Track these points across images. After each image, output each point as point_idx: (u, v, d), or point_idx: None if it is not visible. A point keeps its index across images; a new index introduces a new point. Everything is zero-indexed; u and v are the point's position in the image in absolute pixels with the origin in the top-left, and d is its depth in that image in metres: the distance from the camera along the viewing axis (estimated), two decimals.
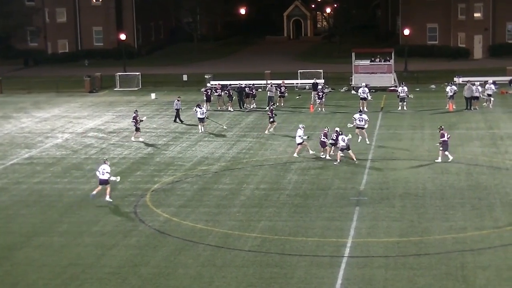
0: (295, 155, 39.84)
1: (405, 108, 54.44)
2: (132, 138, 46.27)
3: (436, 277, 23.47)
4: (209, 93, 57.27)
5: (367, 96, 54.25)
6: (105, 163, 32.83)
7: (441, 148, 38.23)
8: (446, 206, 30.83)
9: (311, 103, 56.73)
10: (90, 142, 46.20)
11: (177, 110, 51.96)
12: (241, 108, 56.89)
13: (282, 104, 57.48)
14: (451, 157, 38.06)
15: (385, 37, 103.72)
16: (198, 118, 47.84)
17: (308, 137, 41.11)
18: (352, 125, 42.93)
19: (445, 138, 38.01)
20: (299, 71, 69.91)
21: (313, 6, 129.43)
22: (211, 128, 49.38)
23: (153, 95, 64.72)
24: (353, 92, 61.90)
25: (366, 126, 43.05)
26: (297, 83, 68.27)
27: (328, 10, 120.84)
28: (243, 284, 23.38)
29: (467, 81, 56.01)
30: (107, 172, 32.36)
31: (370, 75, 63.88)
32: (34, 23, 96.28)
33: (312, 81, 62.13)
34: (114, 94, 68.48)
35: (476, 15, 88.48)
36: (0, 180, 37.35)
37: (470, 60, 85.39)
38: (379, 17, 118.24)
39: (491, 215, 29.60)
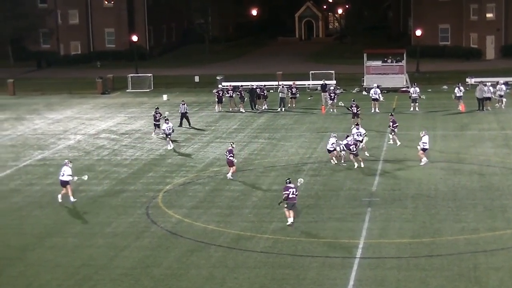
0: (332, 162, 38.26)
1: (417, 109, 54.34)
2: (153, 135, 47.38)
3: (448, 278, 23.44)
4: (220, 94, 57.34)
5: (379, 97, 54.19)
6: (66, 165, 32.94)
7: (392, 133, 42.25)
8: (458, 207, 30.76)
9: (323, 104, 56.71)
10: (102, 144, 46.36)
11: (183, 113, 51.31)
12: (252, 109, 56.93)
13: (293, 105, 57.50)
14: (399, 143, 41.77)
15: (396, 38, 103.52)
16: (166, 134, 44.01)
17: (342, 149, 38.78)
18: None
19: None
20: (310, 72, 69.88)
21: (324, 7, 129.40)
22: (222, 130, 49.47)
23: (165, 97, 64.86)
24: (364, 93, 61.84)
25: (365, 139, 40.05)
26: (309, 84, 68.27)
27: (340, 11, 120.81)
28: (255, 285, 23.40)
29: (479, 82, 55.86)
30: (68, 174, 32.57)
31: (382, 76, 63.80)
32: (47, 24, 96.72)
33: (321, 82, 62.09)
34: (126, 96, 68.68)
35: (488, 15, 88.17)
36: (13, 181, 37.54)
37: (482, 61, 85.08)
38: (391, 17, 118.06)
39: (504, 216, 29.52)
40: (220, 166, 39.00)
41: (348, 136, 38.34)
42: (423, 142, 37.69)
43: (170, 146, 43.63)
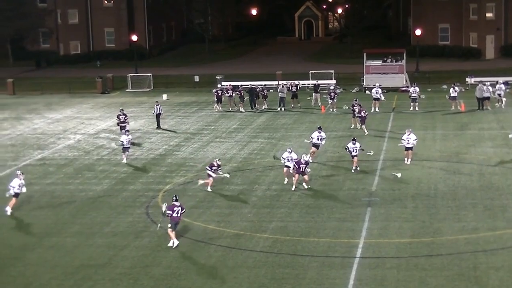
0: (352, 170, 36.76)
1: (416, 108, 54.32)
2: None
3: (448, 278, 23.42)
4: (220, 94, 57.31)
5: (380, 97, 54.13)
6: (18, 177, 31.86)
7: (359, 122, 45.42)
8: (458, 206, 30.75)
9: (319, 104, 56.67)
10: (102, 143, 46.33)
11: (158, 115, 50.84)
12: (252, 109, 56.91)
13: (298, 104, 57.29)
14: (366, 132, 44.52)
15: (396, 38, 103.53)
16: (124, 147, 40.60)
17: (371, 152, 38.26)
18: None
19: (362, 114, 45.54)
20: (310, 71, 69.86)
21: (324, 6, 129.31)
22: (222, 129, 49.45)
23: (164, 96, 64.83)
24: (367, 92, 61.73)
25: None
26: (309, 84, 68.13)
27: (340, 10, 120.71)
28: (255, 285, 23.39)
29: (479, 82, 55.82)
30: (12, 186, 31.41)
31: (382, 76, 63.77)
32: (47, 24, 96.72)
33: (314, 82, 62.05)
34: (126, 95, 68.68)
35: (488, 15, 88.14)
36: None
37: (482, 60, 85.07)
38: (391, 17, 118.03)
39: (504, 215, 29.50)
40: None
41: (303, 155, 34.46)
42: (404, 139, 37.61)
43: (124, 160, 40.42)
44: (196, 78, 72.68)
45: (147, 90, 70.86)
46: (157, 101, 52.93)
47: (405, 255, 25.47)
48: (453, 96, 54.05)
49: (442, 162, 38.49)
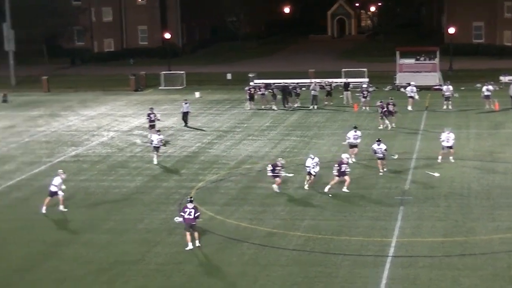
0: (380, 172, 36.24)
1: (450, 107, 53.98)
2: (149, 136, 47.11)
3: (482, 278, 23.28)
4: (252, 92, 57.43)
5: (415, 95, 53.86)
6: (59, 176, 31.85)
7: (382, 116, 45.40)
8: (492, 206, 30.54)
9: (350, 102, 56.55)
10: (135, 140, 46.63)
11: (185, 113, 51.01)
12: (284, 107, 56.93)
13: (331, 103, 57.24)
14: (390, 126, 45.19)
15: (429, 36, 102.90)
16: (154, 146, 40.11)
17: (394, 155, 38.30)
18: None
19: (385, 109, 45.37)
20: (342, 70, 69.68)
21: (357, 4, 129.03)
22: (255, 127, 49.54)
23: (197, 94, 65.07)
24: (402, 90, 61.36)
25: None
26: (341, 82, 67.92)
27: (372, 8, 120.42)
28: (287, 283, 23.43)
29: None
30: (56, 185, 31.40)
31: (415, 74, 63.44)
32: (81, 22, 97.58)
33: (344, 80, 61.88)
34: (159, 93, 69.02)
35: None
36: (47, 177, 37.82)
37: None
38: (424, 15, 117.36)
39: None
40: (252, 164, 39.09)
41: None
42: (444, 140, 37.39)
43: (155, 160, 39.92)
44: (229, 76, 72.88)
45: (180, 87, 71.16)
46: (185, 99, 53.16)
47: (438, 254, 25.35)
48: (486, 95, 53.62)
49: (476, 161, 38.24)
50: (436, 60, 64.85)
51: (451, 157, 37.65)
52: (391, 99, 48.67)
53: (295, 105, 57.17)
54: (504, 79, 63.09)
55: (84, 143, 46.26)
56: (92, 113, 58.17)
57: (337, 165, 32.88)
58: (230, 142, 45.12)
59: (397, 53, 66.05)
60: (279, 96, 57.25)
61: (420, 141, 43.33)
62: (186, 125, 50.68)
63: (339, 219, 29.48)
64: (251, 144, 44.23)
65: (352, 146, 38.52)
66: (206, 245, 26.91)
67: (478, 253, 25.29)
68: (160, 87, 71.81)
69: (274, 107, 56.44)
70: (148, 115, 47.50)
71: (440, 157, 37.69)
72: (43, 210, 31.40)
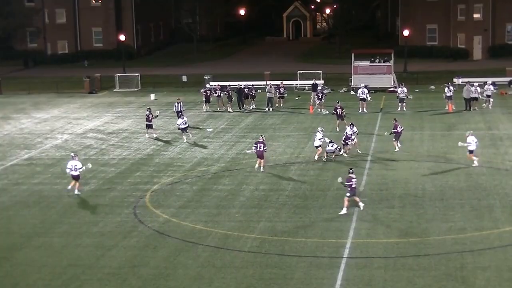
0: (316, 157, 39.00)
1: (404, 109, 54.46)
2: (146, 135, 47.23)
3: (435, 278, 23.49)
4: (208, 94, 57.30)
5: (367, 97, 54.28)
6: (74, 159, 34.14)
7: (393, 139, 40.99)
8: (445, 207, 30.84)
9: (311, 103, 56.73)
10: (89, 143, 46.22)
11: (178, 112, 50.98)
12: (240, 109, 56.90)
13: (281, 105, 57.51)
14: (397, 148, 40.69)
15: (384, 38, 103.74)
16: (180, 128, 46.09)
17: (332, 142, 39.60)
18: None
19: (397, 130, 40.82)
20: (298, 72, 69.94)
21: (312, 7, 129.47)
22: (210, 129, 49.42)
23: (152, 96, 64.77)
24: (352, 92, 61.93)
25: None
26: (297, 84, 68.30)
27: (328, 11, 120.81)
28: (242, 285, 23.38)
29: (466, 82, 55.99)
30: (79, 168, 33.82)
31: (370, 76, 63.91)
32: (34, 23, 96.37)
33: (311, 81, 62.09)
34: (114, 95, 68.53)
35: (476, 16, 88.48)
36: (0, 181, 37.35)
37: (469, 61, 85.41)
38: (379, 18, 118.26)
39: (491, 215, 29.61)
40: (207, 166, 38.98)
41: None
42: (467, 143, 37.16)
43: (185, 139, 45.27)
44: (184, 78, 72.64)
45: (135, 90, 70.76)
46: (178, 98, 53.30)
47: (393, 255, 25.52)
48: (449, 96, 54.18)
49: (430, 162, 38.59)
50: (391, 62, 65.38)
51: (475, 160, 37.36)
52: (338, 102, 48.94)
53: (251, 107, 57.18)
54: (458, 81, 63.79)
55: (37, 146, 45.70)
56: (46, 115, 57.50)
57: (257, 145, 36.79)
58: (185, 144, 44.93)
59: (352, 55, 66.46)
60: (234, 98, 57.19)
61: (375, 142, 43.61)
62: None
63: (294, 220, 29.52)
64: (207, 146, 44.11)
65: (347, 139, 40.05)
66: (161, 248, 26.77)
67: (432, 254, 25.51)
68: (115, 89, 71.32)
69: (229, 109, 56.38)
70: (147, 115, 47.39)
71: (475, 160, 37.16)
72: (76, 192, 33.86)
